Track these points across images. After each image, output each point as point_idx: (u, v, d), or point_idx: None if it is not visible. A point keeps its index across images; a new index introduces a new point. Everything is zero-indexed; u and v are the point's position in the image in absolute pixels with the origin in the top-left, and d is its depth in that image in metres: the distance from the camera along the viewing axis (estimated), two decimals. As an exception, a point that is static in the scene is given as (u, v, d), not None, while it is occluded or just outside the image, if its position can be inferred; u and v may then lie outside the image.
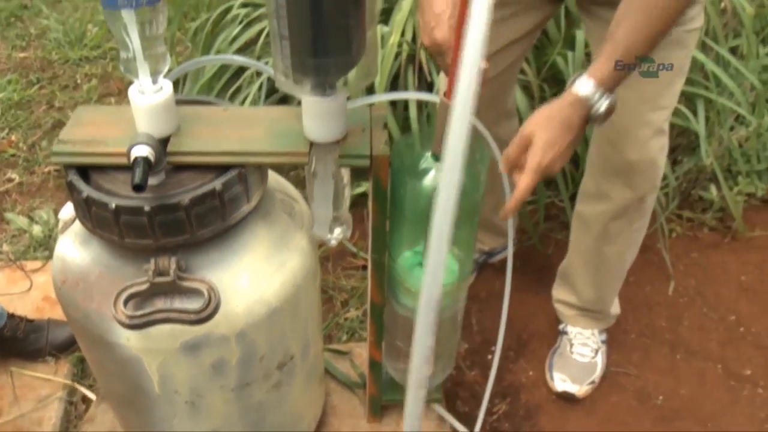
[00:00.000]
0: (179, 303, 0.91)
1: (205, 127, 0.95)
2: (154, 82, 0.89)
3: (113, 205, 0.87)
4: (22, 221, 1.87)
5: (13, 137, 2.28)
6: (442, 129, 0.91)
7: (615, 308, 1.58)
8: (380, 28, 1.77)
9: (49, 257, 1.73)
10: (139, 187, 0.81)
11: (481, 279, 1.83)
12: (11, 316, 1.44)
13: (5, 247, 1.80)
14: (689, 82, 1.95)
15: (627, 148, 1.26)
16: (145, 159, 0.84)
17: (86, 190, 0.89)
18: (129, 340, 0.95)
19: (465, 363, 1.63)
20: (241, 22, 2.03)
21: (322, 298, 1.78)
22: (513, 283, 1.83)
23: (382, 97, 0.98)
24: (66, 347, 1.48)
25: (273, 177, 1.10)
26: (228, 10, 2.11)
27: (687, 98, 2.00)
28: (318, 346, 1.22)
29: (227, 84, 1.96)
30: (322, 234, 1.03)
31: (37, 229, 1.83)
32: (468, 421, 1.50)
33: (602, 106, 0.93)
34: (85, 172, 0.94)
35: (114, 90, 2.58)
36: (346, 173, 0.97)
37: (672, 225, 1.99)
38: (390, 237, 1.06)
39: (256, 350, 1.00)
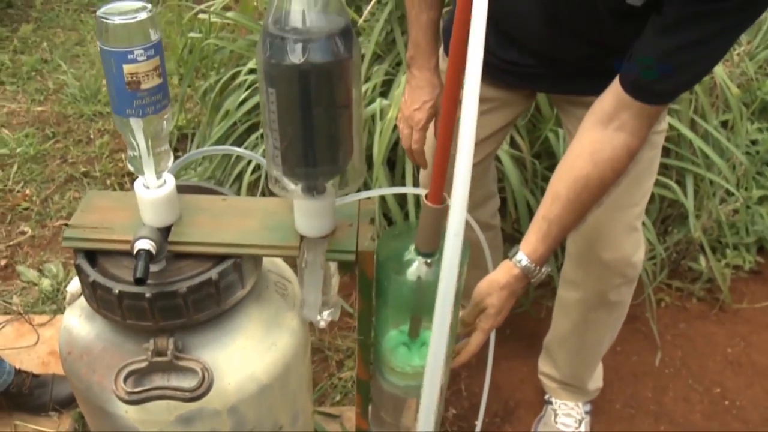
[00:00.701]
0: (175, 380, 0.98)
1: (204, 217, 1.03)
2: (158, 177, 0.98)
3: (117, 291, 0.94)
4: (32, 274, 1.96)
5: (28, 191, 2.38)
6: (425, 227, 0.99)
7: (595, 383, 1.64)
8: (380, 102, 1.87)
9: (57, 311, 1.81)
10: (140, 281, 0.89)
11: (471, 344, 1.88)
12: (18, 372, 1.51)
13: (15, 299, 1.88)
14: (679, 157, 2.03)
15: (600, 247, 1.32)
16: (147, 252, 0.92)
17: (92, 275, 0.97)
18: (128, 412, 1.01)
19: (452, 428, 1.69)
20: (248, 88, 2.14)
21: (318, 358, 1.84)
22: (503, 349, 1.90)
23: (370, 194, 1.06)
24: (69, 402, 1.54)
25: (269, 259, 1.18)
26: (236, 75, 2.22)
27: (677, 172, 2.08)
28: (307, 413, 1.28)
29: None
30: (312, 317, 1.10)
31: (46, 283, 1.92)
32: (451, 486, 1.56)
33: (542, 275, 1.07)
34: (93, 255, 1.02)
35: (125, 146, 2.69)
36: (333, 264, 1.05)
37: (661, 294, 2.05)
38: (376, 317, 1.13)
39: (247, 422, 1.07)
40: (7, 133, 2.70)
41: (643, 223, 1.85)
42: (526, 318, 1.96)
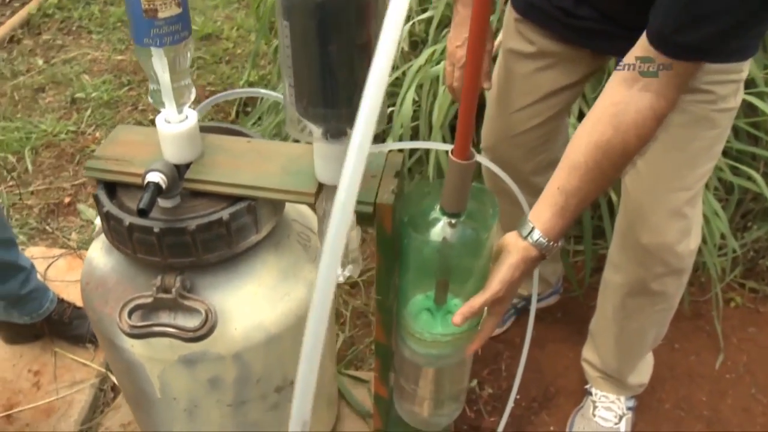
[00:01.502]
0: (181, 319, 0.96)
1: (225, 157, 1.00)
2: (179, 112, 0.95)
3: (127, 222, 0.93)
4: (91, 213, 2.01)
5: (98, 134, 2.44)
6: (450, 185, 0.92)
7: (638, 378, 1.52)
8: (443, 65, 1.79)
9: (110, 250, 1.85)
10: (142, 212, 0.87)
11: (518, 324, 1.80)
12: (60, 301, 1.55)
13: (73, 236, 1.93)
14: (765, 144, 1.86)
15: (638, 228, 1.22)
16: (156, 185, 0.90)
17: (107, 206, 0.96)
18: (133, 346, 1.01)
19: (486, 408, 1.62)
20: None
21: (361, 322, 1.81)
22: (551, 332, 1.81)
23: (393, 146, 1.00)
24: (107, 337, 1.57)
25: (296, 208, 1.14)
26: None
27: (766, 163, 1.90)
28: (327, 372, 1.25)
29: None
30: (330, 270, 1.05)
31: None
32: (477, 468, 1.49)
33: (555, 250, 0.97)
34: (113, 187, 1.01)
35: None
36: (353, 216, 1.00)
37: (731, 294, 1.89)
38: (400, 280, 1.08)
39: (253, 372, 1.04)
40: (87, 78, 2.79)
41: (716, 214, 1.72)
42: (579, 303, 1.85)
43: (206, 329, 0.93)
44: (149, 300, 0.95)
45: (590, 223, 1.82)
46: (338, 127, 0.88)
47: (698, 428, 1.60)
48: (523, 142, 1.36)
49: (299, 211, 1.13)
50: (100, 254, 1.08)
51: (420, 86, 1.93)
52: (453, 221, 0.95)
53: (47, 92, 2.71)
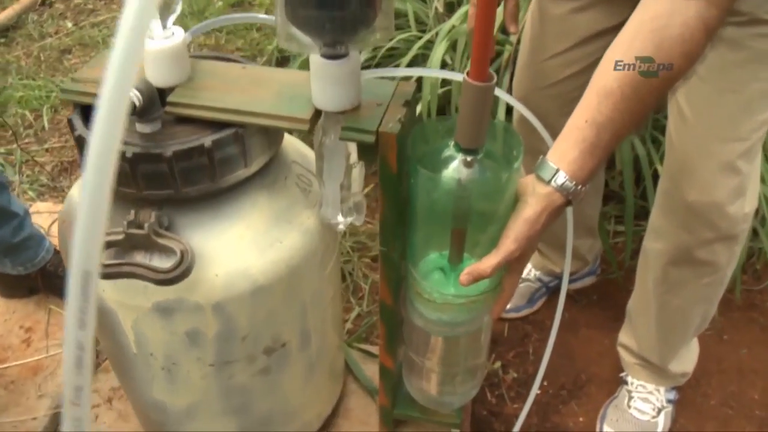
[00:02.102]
0: (157, 261, 0.85)
1: (215, 82, 0.88)
2: (165, 27, 0.84)
3: (99, 146, 0.82)
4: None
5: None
6: (466, 114, 0.79)
7: (681, 366, 1.35)
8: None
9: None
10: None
11: (549, 305, 1.65)
12: (57, 252, 1.46)
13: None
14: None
15: (684, 185, 1.06)
16: (129, 102, 0.79)
17: (80, 129, 0.86)
18: (105, 290, 0.90)
19: (509, 393, 1.47)
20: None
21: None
22: (586, 316, 1.65)
23: (399, 72, 0.87)
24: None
25: (298, 149, 1.02)
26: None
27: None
28: (329, 340, 1.13)
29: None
30: (331, 216, 0.93)
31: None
32: (494, 457, 1.35)
33: (580, 195, 0.81)
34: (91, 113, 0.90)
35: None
36: (354, 150, 0.87)
37: (791, 284, 1.71)
38: (410, 233, 0.95)
39: (237, 328, 0.92)
40: (116, 41, 2.72)
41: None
42: (618, 286, 1.69)
43: (180, 271, 0.81)
44: (120, 237, 0.84)
45: (632, 201, 1.66)
46: (333, 38, 0.75)
47: (749, 429, 1.43)
48: (558, 93, 1.21)
49: (301, 153, 1.01)
50: (80, 190, 0.97)
51: (453, 47, 1.79)
52: (469, 159, 0.81)
53: (73, 53, 2.65)
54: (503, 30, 1.70)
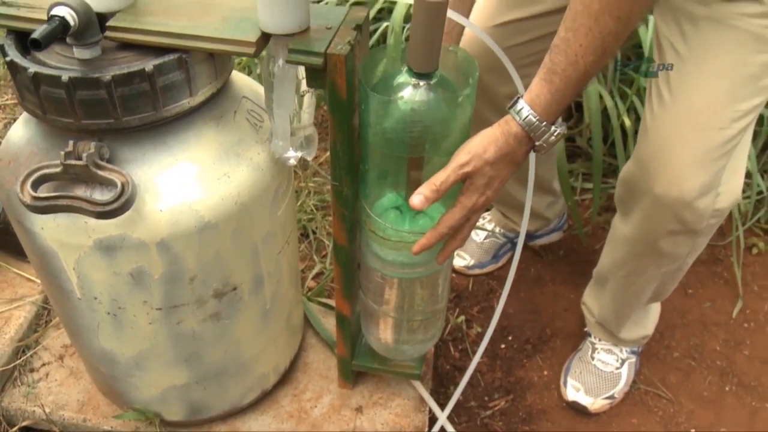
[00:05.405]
0: (98, 195, 0.81)
1: (160, 7, 0.83)
2: (104, -55, 0.79)
3: (32, 72, 0.77)
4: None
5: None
6: (418, 34, 0.75)
7: (638, 332, 1.35)
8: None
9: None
10: (35, 43, 0.71)
11: (515, 262, 1.63)
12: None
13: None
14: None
15: (653, 174, 0.99)
16: (61, 20, 0.74)
17: (12, 54, 0.80)
18: (43, 229, 0.85)
19: (473, 347, 1.46)
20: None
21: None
22: (551, 271, 1.64)
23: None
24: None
25: (250, 85, 0.98)
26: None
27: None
28: (284, 289, 1.09)
29: None
30: (282, 150, 0.89)
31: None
32: (457, 410, 1.33)
33: (551, 137, 0.79)
34: (26, 41, 0.85)
35: None
36: (302, 77, 0.83)
37: (754, 240, 1.71)
38: (365, 171, 0.91)
39: (184, 269, 0.89)
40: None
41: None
42: (584, 242, 1.68)
43: (120, 203, 0.77)
44: (58, 169, 0.80)
45: (600, 159, 1.64)
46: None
47: (710, 379, 1.43)
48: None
49: (253, 90, 0.97)
50: (18, 127, 0.93)
51: None
52: (421, 83, 0.78)
53: None
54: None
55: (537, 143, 0.80)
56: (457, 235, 0.86)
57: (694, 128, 0.97)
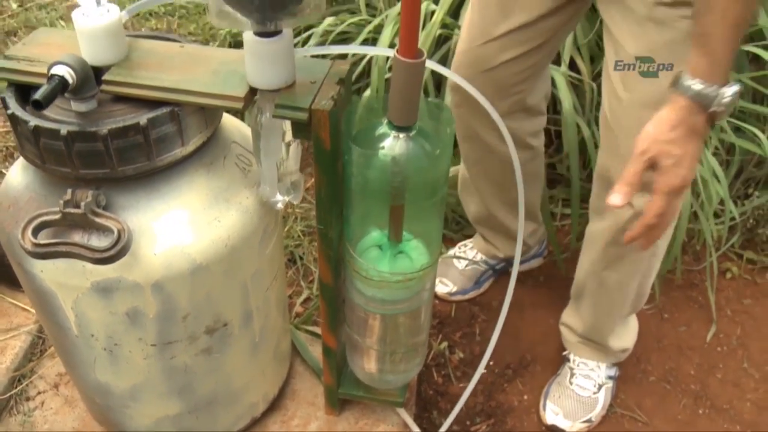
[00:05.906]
0: (95, 241, 0.85)
1: (152, 60, 0.88)
2: (99, 3, 0.84)
3: (32, 125, 0.82)
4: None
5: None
6: (397, 91, 0.80)
7: (620, 342, 1.40)
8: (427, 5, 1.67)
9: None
10: (37, 103, 0.76)
11: (496, 287, 1.69)
12: (2, 242, 1.44)
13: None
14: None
15: (618, 165, 1.04)
16: (61, 79, 0.79)
17: (13, 107, 0.85)
18: (43, 272, 0.90)
19: (455, 373, 1.50)
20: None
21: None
22: (532, 296, 1.69)
23: (331, 49, 0.88)
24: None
25: (239, 129, 1.03)
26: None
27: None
28: (272, 321, 1.13)
29: None
30: (270, 194, 0.94)
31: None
32: (440, 434, 1.38)
33: (726, 100, 0.82)
34: (27, 93, 0.89)
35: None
36: (288, 128, 0.88)
37: (728, 264, 1.77)
38: (348, 214, 0.96)
39: (177, 308, 0.93)
40: (63, 24, 2.66)
41: (715, 176, 1.59)
42: (565, 266, 1.73)
43: (117, 249, 0.81)
44: (57, 216, 0.84)
45: (579, 184, 1.70)
46: (263, 15, 0.76)
47: (684, 402, 1.48)
48: (497, 77, 1.22)
49: (242, 133, 1.02)
50: (17, 172, 0.97)
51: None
52: (401, 135, 0.83)
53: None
54: (454, 15, 1.74)
55: (711, 109, 0.82)
56: (661, 221, 0.89)
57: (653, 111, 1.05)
